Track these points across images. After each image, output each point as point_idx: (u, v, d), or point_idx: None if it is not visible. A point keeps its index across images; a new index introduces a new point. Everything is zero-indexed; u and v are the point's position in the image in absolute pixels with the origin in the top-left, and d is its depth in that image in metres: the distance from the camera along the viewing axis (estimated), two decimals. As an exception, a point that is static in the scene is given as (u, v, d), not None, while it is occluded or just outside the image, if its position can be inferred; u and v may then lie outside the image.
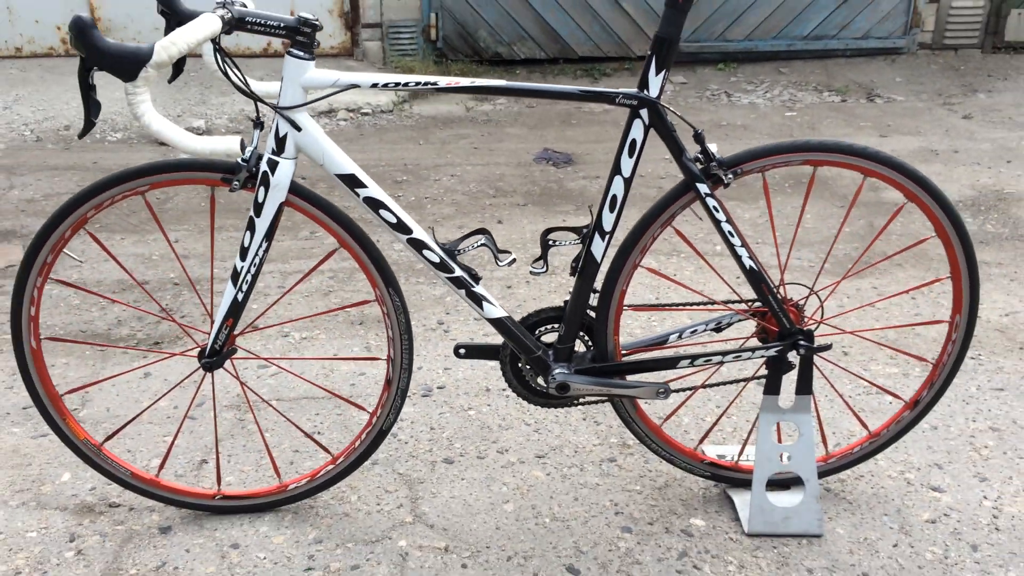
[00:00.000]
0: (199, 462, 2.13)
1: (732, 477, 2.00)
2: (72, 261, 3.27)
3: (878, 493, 2.02)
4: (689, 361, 1.84)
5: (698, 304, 1.95)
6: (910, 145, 4.96)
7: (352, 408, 2.35)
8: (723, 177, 1.70)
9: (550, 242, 1.79)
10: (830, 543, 1.87)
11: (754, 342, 1.90)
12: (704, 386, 1.99)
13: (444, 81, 1.64)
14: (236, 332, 1.79)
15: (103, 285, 3.12)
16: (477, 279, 1.76)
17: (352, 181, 1.68)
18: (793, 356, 1.84)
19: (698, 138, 1.69)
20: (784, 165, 1.74)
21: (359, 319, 2.89)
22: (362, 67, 6.38)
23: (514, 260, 1.80)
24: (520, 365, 1.86)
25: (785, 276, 1.91)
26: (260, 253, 1.70)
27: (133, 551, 1.84)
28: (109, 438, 1.94)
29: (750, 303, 1.87)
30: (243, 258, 1.71)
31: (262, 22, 1.57)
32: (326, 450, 2.02)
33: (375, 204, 1.69)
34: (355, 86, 1.62)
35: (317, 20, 1.59)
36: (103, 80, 1.45)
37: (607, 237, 1.74)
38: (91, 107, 1.46)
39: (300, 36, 1.58)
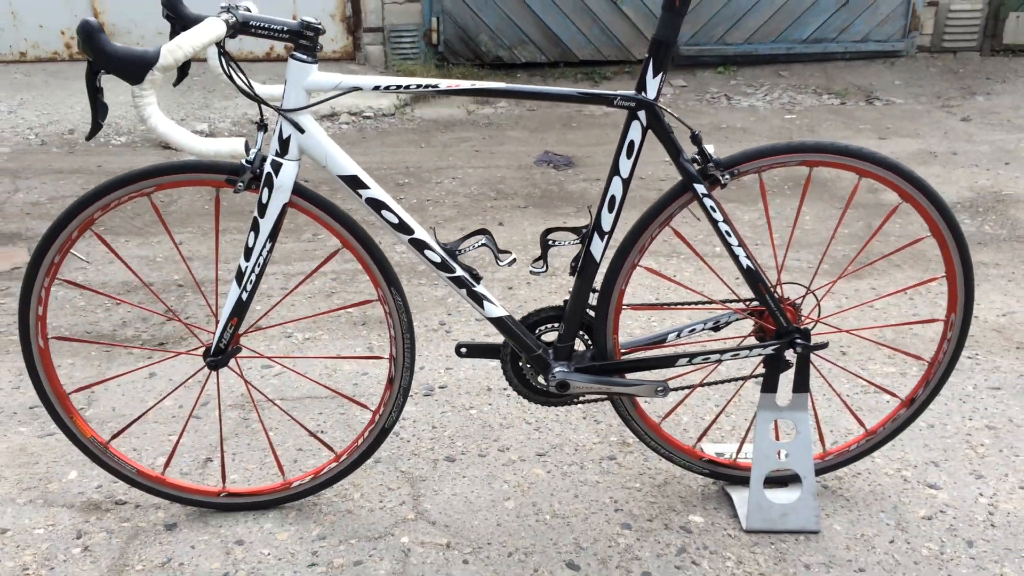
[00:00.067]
0: (204, 460, 2.16)
1: (730, 474, 2.03)
2: (77, 263, 3.30)
3: (875, 490, 2.04)
4: (687, 359, 1.86)
5: (696, 303, 1.97)
6: (909, 147, 4.98)
7: (355, 407, 2.38)
8: (720, 178, 1.73)
9: (550, 242, 1.81)
10: (827, 539, 1.89)
11: (752, 341, 1.92)
12: (702, 384, 2.01)
13: (445, 84, 1.66)
14: (240, 332, 1.82)
15: (108, 287, 3.15)
16: (478, 279, 1.79)
17: (354, 182, 1.70)
18: (790, 354, 1.87)
19: (695, 139, 1.71)
20: (780, 166, 1.76)
21: (361, 320, 2.91)
22: (364, 71, 6.41)
23: (514, 260, 1.83)
24: (521, 364, 1.89)
25: (784, 277, 1.93)
26: (264, 253, 1.73)
27: (139, 547, 1.87)
28: (115, 436, 1.96)
29: (748, 302, 1.90)
30: (247, 258, 1.73)
31: (266, 26, 1.60)
32: (329, 448, 2.04)
33: (377, 205, 1.72)
34: (357, 89, 1.65)
35: (320, 24, 1.62)
36: (108, 84, 1.48)
37: (606, 237, 1.77)
38: (98, 110, 1.49)
39: (303, 40, 1.61)
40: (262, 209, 1.70)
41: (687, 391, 2.04)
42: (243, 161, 1.67)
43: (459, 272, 1.77)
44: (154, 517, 1.96)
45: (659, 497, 2.03)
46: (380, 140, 5.22)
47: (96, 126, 1.51)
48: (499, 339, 1.86)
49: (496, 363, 2.57)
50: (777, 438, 1.96)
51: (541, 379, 1.88)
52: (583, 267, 1.79)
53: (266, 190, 1.68)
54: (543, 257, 1.81)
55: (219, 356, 1.80)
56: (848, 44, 6.74)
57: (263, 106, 1.68)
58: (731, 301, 1.92)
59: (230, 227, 3.71)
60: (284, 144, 1.67)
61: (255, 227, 1.71)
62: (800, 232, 3.70)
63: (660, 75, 1.66)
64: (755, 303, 1.86)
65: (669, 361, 1.87)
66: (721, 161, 1.73)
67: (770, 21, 6.66)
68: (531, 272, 1.83)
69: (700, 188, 1.72)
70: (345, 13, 6.50)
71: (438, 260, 1.76)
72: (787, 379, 1.89)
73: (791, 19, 6.66)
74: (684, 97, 6.22)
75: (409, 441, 2.24)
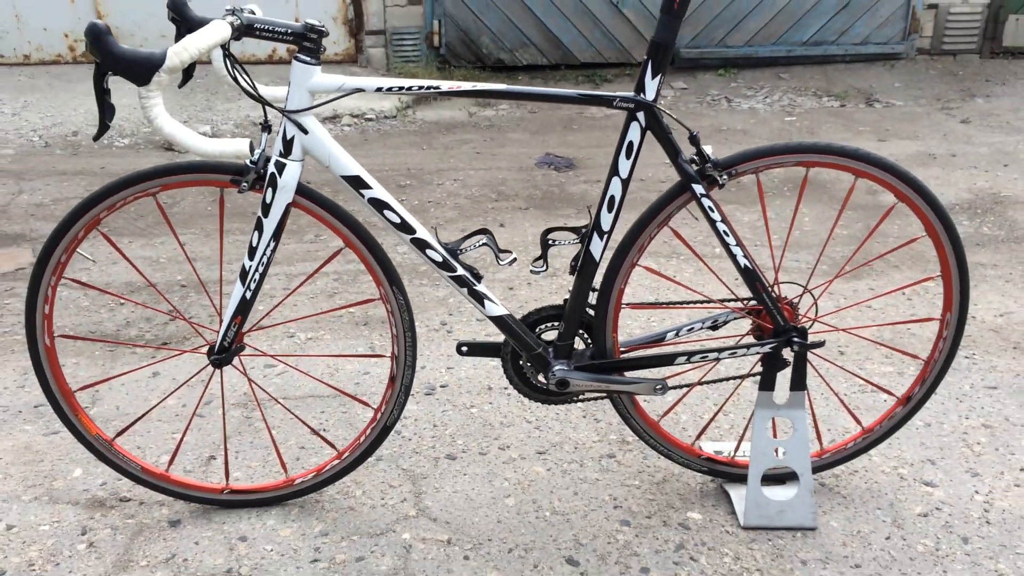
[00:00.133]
0: (207, 458, 2.18)
1: (729, 472, 2.05)
2: (81, 263, 3.33)
3: (871, 488, 2.06)
4: (686, 358, 1.88)
5: (694, 303, 2.00)
6: (908, 149, 5.01)
7: (356, 406, 2.40)
8: (718, 178, 1.75)
9: (550, 242, 1.83)
10: (824, 536, 1.91)
11: (750, 340, 1.94)
12: (701, 383, 2.03)
13: (446, 85, 1.69)
14: (244, 330, 1.84)
15: (111, 287, 3.17)
16: (479, 278, 1.81)
17: (357, 182, 1.73)
18: (787, 353, 1.89)
19: (693, 140, 1.74)
20: (777, 166, 1.79)
21: (363, 320, 2.94)
22: (366, 73, 6.44)
23: (515, 260, 1.85)
24: (521, 362, 1.91)
25: (783, 277, 1.95)
26: (268, 252, 1.75)
27: (144, 544, 1.89)
28: (120, 433, 1.99)
29: (745, 302, 1.92)
30: (251, 257, 1.76)
31: (270, 28, 1.62)
32: (332, 445, 2.07)
33: (380, 205, 1.74)
34: (360, 90, 1.67)
35: (323, 27, 1.64)
36: (112, 87, 1.50)
37: (605, 237, 1.79)
38: (106, 111, 1.51)
39: (307, 42, 1.63)
40: (266, 209, 1.72)
41: (686, 389, 2.06)
42: (247, 162, 1.69)
43: (460, 271, 1.79)
44: (158, 514, 1.98)
45: (658, 494, 2.05)
46: (382, 142, 5.24)
47: (103, 127, 1.53)
48: (500, 338, 1.88)
49: (497, 362, 2.59)
50: (775, 436, 1.98)
51: (541, 377, 1.91)
52: (583, 266, 1.81)
53: (270, 190, 1.71)
54: (543, 256, 1.83)
55: (223, 354, 1.82)
56: (848, 47, 6.77)
57: (267, 107, 1.70)
58: (729, 300, 1.94)
59: (232, 228, 3.73)
60: (288, 145, 1.69)
61: (259, 227, 1.74)
62: (800, 233, 3.72)
63: (659, 77, 1.68)
64: (753, 302, 1.88)
65: (668, 359, 1.89)
66: (719, 162, 1.75)
67: (770, 24, 6.69)
68: (531, 271, 1.86)
69: (698, 188, 1.74)
70: (347, 16, 6.53)
71: (440, 259, 1.78)
72: (785, 377, 1.91)
73: (791, 22, 6.69)
74: (685, 99, 6.24)
75: (411, 439, 2.26)
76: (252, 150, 1.67)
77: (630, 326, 2.86)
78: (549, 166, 4.72)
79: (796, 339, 1.86)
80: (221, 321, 1.81)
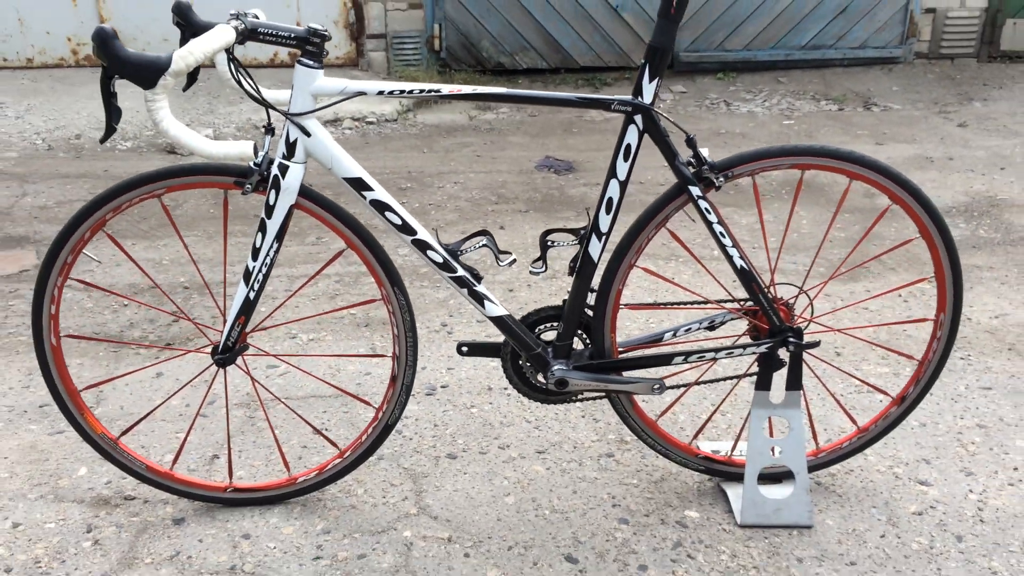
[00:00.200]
0: (211, 457, 2.21)
1: (726, 471, 2.07)
2: (85, 265, 3.35)
3: (867, 487, 2.09)
4: (683, 358, 1.91)
5: (691, 303, 2.02)
6: (906, 153, 5.03)
7: (358, 406, 2.43)
8: (714, 180, 1.78)
9: (549, 243, 1.86)
10: (820, 534, 1.93)
11: (747, 341, 1.97)
12: (698, 383, 2.06)
13: (447, 89, 1.71)
14: (247, 330, 1.87)
15: (115, 289, 3.20)
16: (479, 278, 1.84)
17: (359, 184, 1.75)
18: (783, 353, 1.91)
19: (690, 143, 1.76)
20: (773, 169, 1.81)
21: (364, 321, 2.96)
22: (367, 77, 6.48)
23: (515, 260, 1.87)
24: (520, 362, 1.93)
25: (780, 278, 1.98)
26: (271, 253, 1.78)
27: (148, 541, 1.91)
28: (125, 432, 2.01)
29: (742, 302, 1.94)
30: (255, 258, 1.78)
31: (274, 33, 1.65)
32: (334, 444, 2.09)
33: (381, 206, 1.77)
34: (362, 93, 1.70)
35: (326, 31, 1.67)
36: (117, 90, 1.53)
37: (603, 238, 1.82)
38: (112, 113, 1.54)
39: (310, 46, 1.66)
40: (269, 210, 1.75)
41: (683, 389, 2.09)
42: (251, 164, 1.72)
43: (460, 272, 1.82)
44: (162, 512, 2.01)
45: (656, 493, 2.07)
46: (383, 145, 5.27)
47: (110, 129, 1.56)
48: (500, 339, 1.91)
49: (497, 362, 2.62)
50: (771, 435, 2.00)
51: (540, 377, 1.93)
52: (581, 267, 1.84)
53: (273, 192, 1.73)
54: (542, 258, 1.86)
55: (227, 354, 1.85)
56: (846, 51, 6.80)
57: (270, 110, 1.73)
58: (726, 301, 1.96)
59: (234, 230, 3.76)
60: (291, 147, 1.72)
61: (262, 228, 1.76)
62: (798, 236, 3.75)
63: (656, 80, 1.71)
64: (749, 303, 1.91)
65: (665, 359, 1.91)
66: (715, 164, 1.78)
67: (769, 28, 6.72)
68: (531, 272, 1.88)
69: (695, 190, 1.77)
70: (348, 20, 6.56)
71: (440, 260, 1.81)
72: (781, 377, 1.94)
73: (790, 26, 6.72)
74: (684, 103, 6.28)
75: (411, 439, 2.29)
76: (256, 152, 1.69)
77: (629, 327, 2.89)
78: (549, 169, 4.75)
79: (792, 339, 1.88)
80: (225, 321, 1.84)
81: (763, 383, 1.94)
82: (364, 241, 1.83)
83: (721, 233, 1.81)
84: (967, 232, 3.79)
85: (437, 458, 2.21)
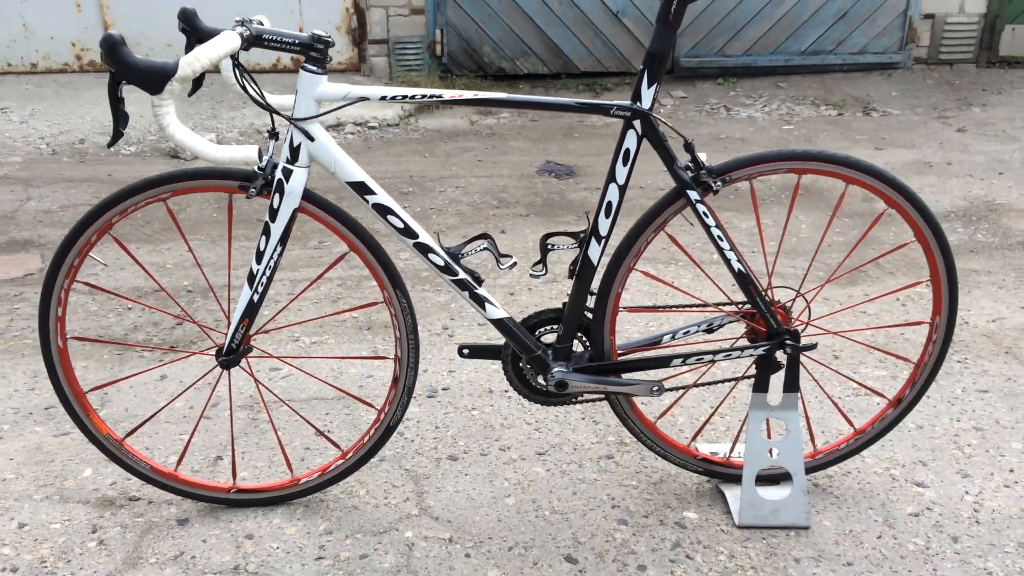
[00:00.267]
0: (214, 458, 2.23)
1: (724, 472, 2.09)
2: (89, 269, 3.38)
3: (864, 488, 2.11)
4: (681, 360, 1.93)
5: (690, 306, 2.04)
6: (905, 157, 5.06)
7: (360, 408, 2.45)
8: (712, 184, 1.80)
9: (549, 246, 1.88)
10: (817, 534, 1.95)
11: (744, 343, 1.99)
12: (696, 385, 2.08)
13: (448, 94, 1.74)
14: (251, 332, 1.89)
15: (119, 292, 3.22)
16: (480, 281, 1.86)
17: (362, 188, 1.78)
18: (780, 355, 1.93)
19: (688, 147, 1.79)
20: (770, 173, 1.84)
21: (367, 324, 2.99)
22: (369, 82, 6.51)
23: (515, 263, 1.90)
24: (521, 364, 1.96)
25: (780, 282, 2.00)
26: (275, 256, 1.81)
27: (152, 541, 1.93)
28: (130, 433, 2.03)
29: (740, 305, 1.96)
30: (259, 261, 1.81)
31: (278, 39, 1.67)
32: (336, 446, 2.11)
33: (383, 210, 1.79)
34: (365, 99, 1.73)
35: (330, 37, 1.69)
36: (125, 96, 1.55)
37: (603, 241, 1.84)
38: (120, 118, 1.57)
39: (314, 52, 1.68)
40: (273, 214, 1.77)
41: (682, 391, 2.11)
42: (255, 168, 1.75)
43: (462, 275, 1.84)
44: (167, 512, 2.03)
45: (655, 494, 2.09)
46: (385, 150, 5.30)
47: (117, 134, 1.58)
48: (500, 341, 1.93)
49: (497, 364, 2.64)
50: (769, 436, 2.02)
51: (541, 379, 1.95)
52: (581, 271, 1.86)
53: (277, 196, 1.76)
54: (543, 261, 1.88)
55: (231, 355, 1.87)
56: (846, 56, 6.83)
57: (275, 115, 1.75)
58: (724, 304, 1.99)
59: (237, 234, 3.79)
60: (295, 152, 1.74)
61: (266, 231, 1.79)
62: (797, 240, 3.77)
63: (655, 86, 1.74)
64: (747, 306, 1.93)
65: (664, 361, 1.94)
66: (713, 168, 1.80)
67: (769, 33, 6.75)
68: (531, 275, 1.90)
69: (693, 194, 1.79)
70: (350, 25, 6.60)
71: (442, 263, 1.83)
72: (779, 380, 1.96)
73: (790, 31, 6.76)
74: (684, 108, 6.30)
75: (413, 441, 2.31)
76: (260, 157, 1.72)
77: (629, 331, 2.91)
78: (550, 173, 4.78)
79: (789, 342, 1.90)
80: (229, 323, 1.86)
81: (760, 385, 1.96)
82: (366, 244, 1.86)
83: (719, 237, 1.83)
84: (965, 237, 3.82)
85: (438, 459, 2.23)
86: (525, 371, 1.96)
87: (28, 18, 6.26)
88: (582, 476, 2.16)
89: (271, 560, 1.88)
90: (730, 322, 2.00)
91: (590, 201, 4.30)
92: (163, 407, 2.26)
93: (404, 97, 1.73)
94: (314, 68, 1.70)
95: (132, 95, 1.54)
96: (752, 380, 1.97)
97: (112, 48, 1.51)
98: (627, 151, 1.78)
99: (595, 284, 1.89)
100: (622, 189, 1.80)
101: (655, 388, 1.92)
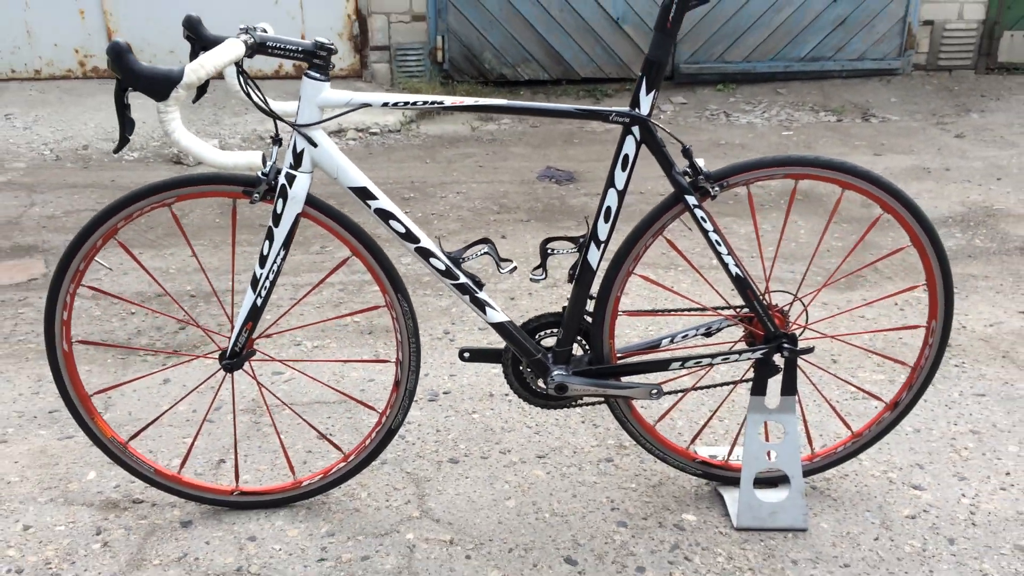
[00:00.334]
0: (217, 461, 2.25)
1: (722, 475, 2.11)
2: (92, 274, 3.40)
3: (861, 491, 2.12)
4: (680, 363, 1.95)
5: (688, 310, 2.06)
6: (903, 163, 5.08)
7: (362, 411, 2.47)
8: (710, 189, 1.82)
9: (549, 250, 1.90)
10: (814, 536, 1.97)
11: (742, 347, 2.01)
12: (695, 388, 2.10)
13: (449, 100, 1.76)
14: (254, 336, 1.91)
15: (123, 296, 3.24)
16: (480, 285, 1.88)
17: (364, 193, 1.80)
18: (778, 359, 1.95)
19: (686, 153, 1.81)
20: (767, 178, 1.86)
21: (368, 328, 3.01)
22: (371, 88, 6.54)
23: (515, 268, 1.92)
24: (521, 368, 1.97)
25: (777, 286, 2.02)
26: (278, 261, 1.83)
27: (156, 543, 1.95)
28: (134, 436, 2.05)
29: (738, 309, 1.98)
30: (262, 265, 1.83)
31: (282, 46, 1.70)
32: (338, 448, 2.13)
33: (385, 215, 1.82)
34: (367, 105, 1.75)
35: (333, 44, 1.72)
36: (131, 102, 1.58)
37: (602, 246, 1.86)
38: (126, 125, 1.59)
39: (316, 59, 1.71)
40: (276, 219, 1.80)
41: (681, 394, 2.13)
42: (259, 173, 1.77)
43: (462, 279, 1.86)
44: (170, 515, 2.05)
45: (654, 497, 2.11)
46: (386, 156, 5.33)
47: (123, 140, 1.61)
48: (501, 345, 1.95)
49: (498, 368, 2.66)
50: (767, 439, 2.04)
51: (541, 382, 1.97)
52: (580, 275, 1.88)
53: (280, 201, 1.78)
54: (542, 265, 1.90)
55: (235, 359, 1.89)
56: (845, 62, 6.86)
57: (278, 121, 1.77)
58: (722, 308, 2.01)
59: (240, 239, 3.81)
60: (298, 157, 1.77)
61: (270, 236, 1.81)
62: (796, 245, 3.79)
63: (653, 92, 1.76)
64: (745, 310, 1.95)
65: (663, 365, 1.96)
66: (711, 174, 1.83)
67: (768, 40, 6.79)
68: (531, 279, 1.93)
69: (691, 200, 1.82)
70: (352, 32, 6.64)
71: (443, 268, 1.85)
72: (777, 383, 1.98)
73: (789, 38, 6.79)
74: (684, 114, 6.33)
75: (414, 444, 2.33)
76: (264, 162, 1.74)
77: (628, 334, 2.93)
78: (550, 179, 4.80)
79: (786, 345, 1.92)
80: (232, 327, 1.88)
81: (758, 388, 1.98)
82: (368, 249, 1.88)
83: (717, 241, 1.85)
84: (963, 242, 3.84)
85: (439, 462, 2.25)
86: (525, 375, 1.98)
87: (32, 25, 6.30)
88: (582, 479, 2.18)
89: (273, 562, 1.90)
90: (728, 326, 2.02)
91: (590, 206, 4.32)
92: (166, 410, 2.28)
93: (406, 104, 1.75)
94: (317, 75, 1.72)
95: (136, 101, 1.56)
96: (750, 384, 1.99)
97: (119, 55, 1.53)
98: (626, 157, 1.80)
99: (595, 288, 1.91)
100: (621, 194, 1.82)
101: (654, 391, 1.94)
